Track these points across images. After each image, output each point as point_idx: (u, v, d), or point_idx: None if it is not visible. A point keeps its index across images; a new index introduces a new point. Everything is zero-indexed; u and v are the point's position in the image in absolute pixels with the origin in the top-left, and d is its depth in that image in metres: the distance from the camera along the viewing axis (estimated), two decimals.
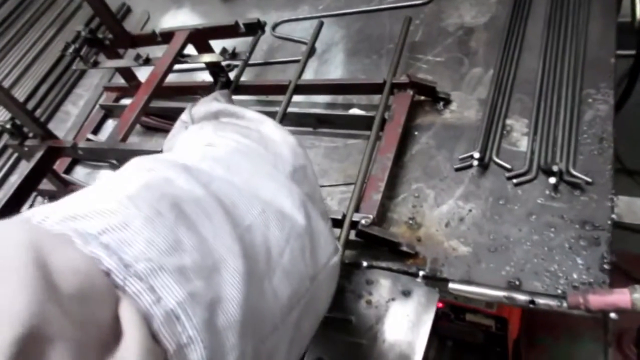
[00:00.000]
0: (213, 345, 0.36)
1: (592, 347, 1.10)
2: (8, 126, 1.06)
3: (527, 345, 1.20)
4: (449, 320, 1.18)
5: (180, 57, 1.12)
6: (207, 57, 1.14)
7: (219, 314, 0.37)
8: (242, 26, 1.12)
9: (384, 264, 0.88)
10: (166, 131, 1.25)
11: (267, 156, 0.58)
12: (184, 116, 0.71)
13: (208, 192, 0.44)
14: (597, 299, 0.70)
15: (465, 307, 1.16)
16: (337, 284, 0.59)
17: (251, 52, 1.11)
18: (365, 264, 0.88)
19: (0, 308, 0.26)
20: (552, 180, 0.86)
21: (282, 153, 0.59)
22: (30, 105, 1.51)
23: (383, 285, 0.86)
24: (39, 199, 1.29)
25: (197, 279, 0.37)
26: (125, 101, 1.44)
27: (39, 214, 0.36)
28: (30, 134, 1.09)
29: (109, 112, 1.43)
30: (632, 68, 1.35)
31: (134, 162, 0.48)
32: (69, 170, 1.35)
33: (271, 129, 0.63)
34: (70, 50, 1.21)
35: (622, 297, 0.68)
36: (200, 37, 1.16)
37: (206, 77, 1.28)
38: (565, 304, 0.73)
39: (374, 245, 0.89)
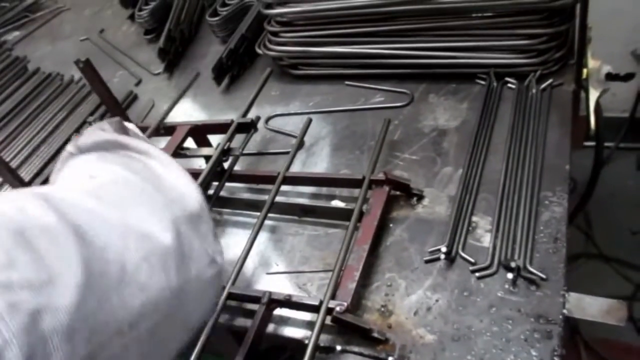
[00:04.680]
0: (32, 346, 0.42)
1: None
2: None
3: None
4: None
5: (180, 149, 1.23)
6: (206, 151, 1.26)
7: (44, 320, 0.43)
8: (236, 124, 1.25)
9: (356, 349, 0.94)
10: None
11: (145, 186, 0.64)
12: (69, 147, 0.74)
13: (61, 219, 0.50)
14: None
15: None
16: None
17: (243, 147, 1.23)
18: (339, 348, 0.95)
19: None
20: (510, 275, 0.95)
21: (164, 185, 0.67)
22: (37, 183, 1.61)
23: None
24: None
25: (23, 291, 0.43)
26: None
27: None
28: None
29: None
30: (593, 167, 1.47)
31: (3, 196, 0.57)
32: None
33: (160, 164, 0.70)
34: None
35: None
36: (200, 132, 1.28)
37: (202, 163, 1.39)
38: None
39: (347, 331, 0.96)
